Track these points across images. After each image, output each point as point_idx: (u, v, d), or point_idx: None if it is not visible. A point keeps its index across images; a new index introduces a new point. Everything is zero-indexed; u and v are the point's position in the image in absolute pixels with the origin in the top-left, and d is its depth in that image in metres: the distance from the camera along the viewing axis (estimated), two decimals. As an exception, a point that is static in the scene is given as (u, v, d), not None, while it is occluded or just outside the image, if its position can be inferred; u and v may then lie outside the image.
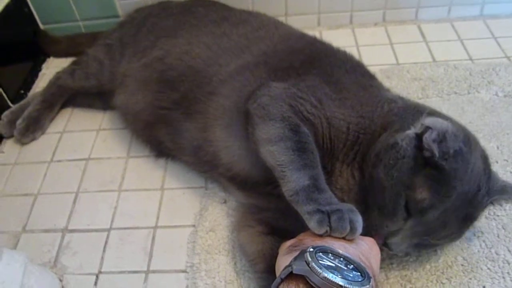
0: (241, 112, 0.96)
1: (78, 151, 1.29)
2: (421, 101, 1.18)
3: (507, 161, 1.12)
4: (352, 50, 1.12)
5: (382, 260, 0.81)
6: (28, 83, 1.52)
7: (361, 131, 0.90)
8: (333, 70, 1.01)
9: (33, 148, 1.32)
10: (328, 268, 0.63)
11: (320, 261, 0.64)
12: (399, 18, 1.62)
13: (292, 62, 1.04)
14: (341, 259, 0.67)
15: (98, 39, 1.38)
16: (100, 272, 1.02)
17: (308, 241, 0.73)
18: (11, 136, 1.34)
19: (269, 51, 1.09)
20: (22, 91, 1.48)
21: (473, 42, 1.51)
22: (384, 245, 0.84)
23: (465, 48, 1.49)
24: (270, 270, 0.86)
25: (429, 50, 1.50)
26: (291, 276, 0.64)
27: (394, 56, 1.49)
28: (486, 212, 0.99)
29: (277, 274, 0.70)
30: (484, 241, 0.97)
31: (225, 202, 1.11)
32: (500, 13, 1.59)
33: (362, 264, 0.67)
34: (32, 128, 1.32)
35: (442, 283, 0.91)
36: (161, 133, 1.12)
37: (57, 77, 1.37)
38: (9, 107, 1.39)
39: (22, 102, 1.39)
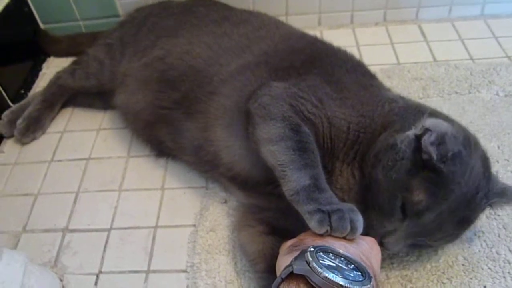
0: (242, 111, 0.96)
1: (79, 150, 1.29)
2: (422, 101, 1.18)
3: (508, 160, 1.11)
4: (352, 50, 1.12)
5: (383, 260, 0.81)
6: (29, 82, 1.52)
7: (361, 130, 0.90)
8: (334, 69, 1.01)
9: (33, 148, 1.32)
10: (328, 267, 0.62)
11: (321, 261, 0.63)
12: (400, 17, 1.62)
13: (293, 62, 1.03)
14: (342, 258, 0.67)
15: (98, 39, 1.38)
16: (100, 272, 1.02)
17: (309, 241, 0.73)
18: (12, 136, 1.33)
19: (270, 51, 1.09)
20: (22, 91, 1.48)
21: (474, 42, 1.50)
22: (379, 244, 0.84)
23: (466, 47, 1.49)
24: (270, 270, 0.86)
25: (430, 50, 1.49)
26: (291, 276, 0.64)
27: (395, 55, 1.49)
28: (487, 212, 0.98)
29: (278, 274, 0.70)
30: (485, 240, 0.97)
31: (225, 202, 1.10)
32: (501, 12, 1.59)
33: (363, 264, 0.67)
34: (33, 128, 1.32)
35: (443, 283, 0.91)
36: (162, 132, 1.12)
37: (58, 76, 1.37)
38: (9, 106, 1.39)
39: (22, 102, 1.39)
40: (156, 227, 1.09)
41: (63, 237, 1.09)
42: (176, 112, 1.07)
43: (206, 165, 1.06)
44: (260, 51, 1.08)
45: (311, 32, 1.23)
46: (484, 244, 0.96)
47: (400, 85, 1.34)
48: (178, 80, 1.09)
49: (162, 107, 1.10)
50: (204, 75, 1.07)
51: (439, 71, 1.38)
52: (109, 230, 1.09)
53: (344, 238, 0.74)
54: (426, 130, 0.80)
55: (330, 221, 0.73)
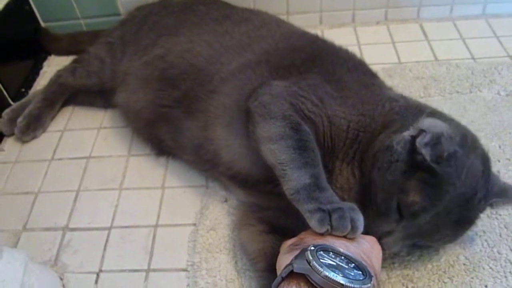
0: (242, 110, 0.96)
1: (79, 149, 1.29)
2: (423, 100, 1.18)
3: (509, 160, 1.11)
4: (354, 49, 1.12)
5: (384, 259, 0.81)
6: (29, 81, 1.52)
7: (361, 129, 0.89)
8: (335, 68, 1.01)
9: (33, 146, 1.32)
10: (329, 266, 0.62)
11: (321, 260, 0.63)
12: (401, 16, 1.62)
13: (294, 61, 1.03)
14: (342, 257, 0.67)
15: (99, 37, 1.38)
16: (100, 270, 1.01)
17: (309, 240, 0.73)
18: (12, 134, 1.33)
19: (271, 50, 1.08)
20: (23, 89, 1.48)
21: (475, 41, 1.50)
22: None
23: (467, 47, 1.48)
24: (271, 269, 0.85)
25: (431, 49, 1.49)
26: (292, 274, 0.64)
27: (396, 54, 1.49)
28: (488, 211, 0.98)
29: (278, 273, 0.70)
30: (486, 240, 0.97)
31: (226, 200, 1.10)
32: (502, 12, 1.59)
33: (364, 263, 0.67)
34: (33, 126, 1.32)
35: (444, 282, 0.91)
36: (162, 131, 1.12)
37: (58, 75, 1.37)
38: (10, 105, 1.39)
39: (23, 100, 1.39)
40: (156, 226, 1.08)
41: (64, 235, 1.09)
42: (177, 111, 1.07)
43: (206, 164, 1.06)
44: (261, 49, 1.08)
45: (312, 31, 1.22)
46: (485, 243, 0.96)
47: (401, 84, 1.34)
48: (178, 78, 1.09)
49: (163, 105, 1.10)
50: (205, 74, 1.06)
51: (441, 70, 1.38)
52: (109, 229, 1.09)
53: (345, 237, 0.73)
54: (421, 131, 0.80)
55: (330, 220, 0.73)
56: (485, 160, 0.85)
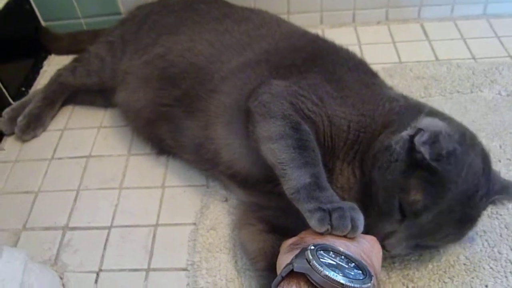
0: (242, 110, 0.95)
1: (79, 148, 1.29)
2: (423, 100, 1.18)
3: (510, 160, 1.11)
4: (354, 49, 1.12)
5: (384, 259, 0.81)
6: (29, 80, 1.52)
7: (361, 129, 0.89)
8: (335, 68, 1.01)
9: (34, 145, 1.32)
10: (329, 266, 0.62)
11: (321, 259, 0.63)
12: (402, 16, 1.61)
13: (294, 60, 1.03)
14: (343, 257, 0.67)
15: (99, 37, 1.38)
16: (100, 270, 1.01)
17: (309, 239, 0.73)
18: (12, 133, 1.33)
19: (271, 49, 1.08)
20: (23, 88, 1.48)
21: (476, 41, 1.50)
22: (381, 247, 0.83)
23: (468, 47, 1.48)
24: (271, 268, 0.85)
25: (432, 49, 1.49)
26: (292, 274, 0.64)
27: (397, 54, 1.49)
28: (488, 211, 0.98)
29: (278, 272, 0.70)
30: (486, 240, 0.96)
31: (226, 200, 1.10)
32: (503, 12, 1.59)
33: (364, 262, 0.67)
34: (33, 125, 1.32)
35: (444, 282, 0.91)
36: (162, 130, 1.12)
37: (58, 74, 1.37)
38: (10, 104, 1.39)
39: (23, 99, 1.39)
40: (156, 225, 1.08)
41: (64, 235, 1.08)
42: (177, 110, 1.07)
43: (206, 163, 1.06)
44: (261, 49, 1.08)
45: (313, 30, 1.22)
46: (485, 243, 0.96)
47: (401, 84, 1.34)
48: (178, 77, 1.09)
49: (163, 104, 1.10)
50: (205, 73, 1.06)
51: (441, 70, 1.38)
52: (109, 228, 1.09)
53: (345, 236, 0.73)
54: (419, 130, 0.80)
55: (330, 220, 0.73)
56: (485, 157, 0.85)
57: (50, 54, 1.63)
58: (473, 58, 1.44)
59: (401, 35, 1.56)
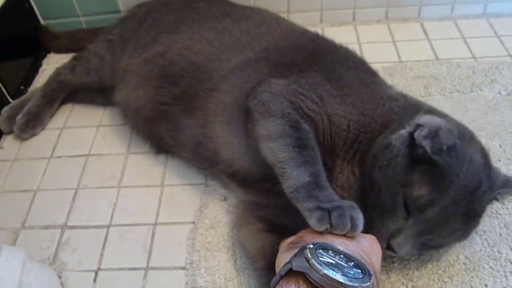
0: (242, 108, 0.95)
1: (78, 147, 1.28)
2: (423, 99, 1.18)
3: (509, 159, 1.11)
4: (354, 47, 1.11)
5: (384, 258, 0.81)
6: (29, 78, 1.52)
7: (361, 129, 0.89)
8: (335, 66, 1.00)
9: (33, 144, 1.31)
10: (328, 265, 0.62)
11: (320, 258, 0.63)
12: (402, 15, 1.61)
13: (294, 59, 1.03)
14: (342, 256, 0.66)
15: (99, 35, 1.38)
16: (99, 268, 1.01)
17: (309, 238, 0.73)
18: (11, 132, 1.33)
19: (271, 47, 1.08)
20: (22, 87, 1.48)
21: (476, 41, 1.50)
22: (387, 248, 0.83)
23: (468, 46, 1.48)
24: (270, 267, 0.85)
25: (432, 48, 1.49)
26: (291, 273, 0.64)
27: (397, 53, 1.48)
28: (488, 211, 0.98)
29: (277, 271, 0.70)
30: (486, 239, 0.96)
31: (225, 199, 1.10)
32: (503, 11, 1.59)
33: (363, 261, 0.67)
34: (32, 124, 1.32)
35: (444, 281, 0.91)
36: (162, 129, 1.12)
37: (58, 72, 1.36)
38: (9, 102, 1.38)
39: (22, 98, 1.39)
40: (155, 224, 1.08)
41: (62, 233, 1.08)
42: (176, 108, 1.07)
43: (205, 162, 1.06)
44: (261, 47, 1.08)
45: (313, 29, 1.22)
46: (485, 243, 0.96)
47: (401, 83, 1.34)
48: (178, 75, 1.09)
49: (162, 103, 1.09)
50: (204, 71, 1.06)
51: (441, 70, 1.38)
52: (108, 227, 1.09)
53: (345, 235, 0.73)
54: (418, 125, 0.80)
55: (330, 219, 0.72)
56: (485, 153, 0.85)
57: (49, 52, 1.62)
58: (473, 57, 1.44)
59: (401, 34, 1.56)
